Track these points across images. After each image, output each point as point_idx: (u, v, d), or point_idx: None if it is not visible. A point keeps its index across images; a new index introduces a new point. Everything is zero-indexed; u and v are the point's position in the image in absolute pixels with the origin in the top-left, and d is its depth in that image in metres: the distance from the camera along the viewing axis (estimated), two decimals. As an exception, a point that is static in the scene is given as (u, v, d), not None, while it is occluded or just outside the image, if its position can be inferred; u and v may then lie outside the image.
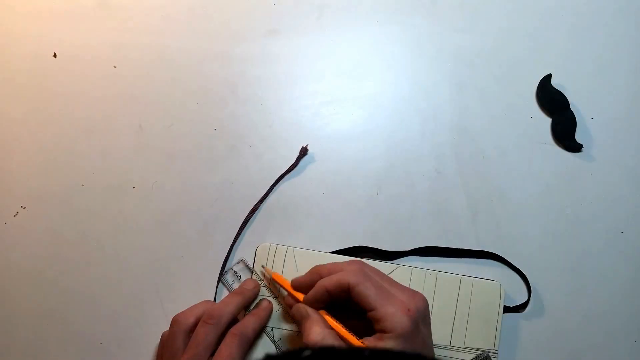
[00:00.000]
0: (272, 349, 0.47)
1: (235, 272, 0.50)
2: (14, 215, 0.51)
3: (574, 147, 0.52)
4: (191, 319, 0.44)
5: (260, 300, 0.48)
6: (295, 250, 0.49)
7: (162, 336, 0.46)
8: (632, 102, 0.53)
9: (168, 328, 0.45)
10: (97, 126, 0.52)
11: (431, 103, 0.53)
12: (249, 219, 0.50)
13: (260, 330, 0.46)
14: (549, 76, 0.52)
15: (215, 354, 0.41)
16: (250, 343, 0.44)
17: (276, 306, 0.48)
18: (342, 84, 0.53)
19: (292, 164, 0.51)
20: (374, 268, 0.44)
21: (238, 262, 0.50)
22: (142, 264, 0.50)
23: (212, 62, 0.53)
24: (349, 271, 0.41)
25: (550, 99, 0.52)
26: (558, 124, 0.52)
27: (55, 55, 0.53)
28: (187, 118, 0.52)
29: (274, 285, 0.48)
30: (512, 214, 0.51)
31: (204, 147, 0.52)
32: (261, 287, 0.48)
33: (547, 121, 0.53)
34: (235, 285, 0.49)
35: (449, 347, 0.47)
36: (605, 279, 0.51)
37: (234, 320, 0.45)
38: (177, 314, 0.44)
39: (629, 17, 0.54)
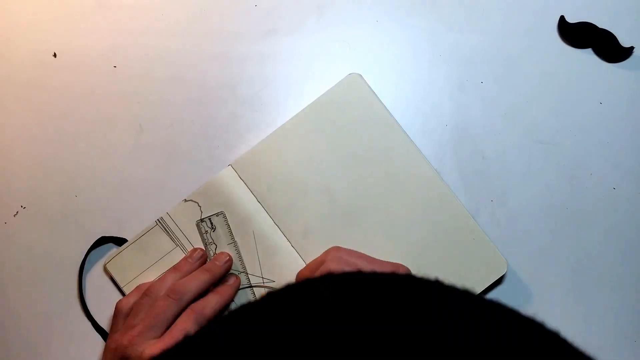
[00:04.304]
0: None
1: (212, 223, 0.49)
2: (14, 215, 0.51)
3: (625, 53, 0.52)
4: (162, 292, 0.44)
5: (228, 275, 0.47)
6: (375, 101, 0.50)
7: (119, 304, 0.45)
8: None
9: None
10: (97, 126, 0.52)
11: (431, 103, 0.53)
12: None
13: (223, 309, 0.46)
14: (562, 18, 0.53)
15: (171, 327, 0.42)
16: (207, 322, 0.43)
17: (244, 281, 0.48)
18: (342, 84, 0.53)
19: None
20: (350, 250, 0.45)
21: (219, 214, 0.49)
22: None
23: (212, 62, 0.53)
24: (329, 260, 0.43)
25: (576, 33, 0.53)
26: (599, 46, 0.53)
27: (55, 55, 0.53)
28: (187, 118, 0.52)
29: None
30: (512, 214, 0.51)
31: (204, 147, 0.52)
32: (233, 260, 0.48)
33: (546, 120, 0.53)
34: (207, 237, 0.48)
35: None
36: (605, 279, 0.51)
37: (198, 296, 0.45)
38: (148, 286, 0.45)
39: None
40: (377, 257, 0.47)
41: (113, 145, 0.52)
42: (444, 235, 0.48)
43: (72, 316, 0.50)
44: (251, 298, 0.48)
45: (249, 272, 0.48)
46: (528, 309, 0.50)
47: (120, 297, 0.49)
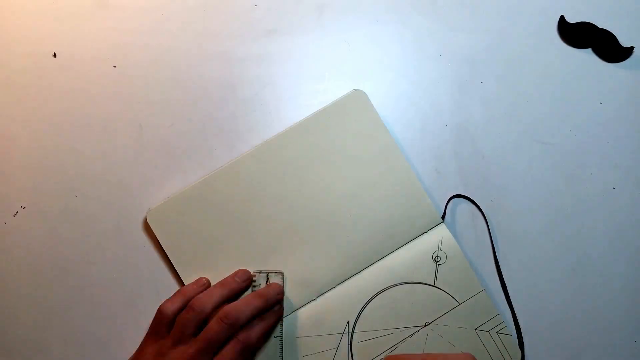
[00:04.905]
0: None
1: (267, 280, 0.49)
2: (14, 215, 0.51)
3: (625, 53, 0.52)
4: (209, 307, 0.45)
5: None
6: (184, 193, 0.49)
7: (163, 307, 0.46)
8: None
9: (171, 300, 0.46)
10: (97, 126, 0.52)
11: (431, 103, 0.53)
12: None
13: (267, 336, 0.47)
14: (562, 18, 0.53)
15: (218, 354, 0.43)
16: (252, 350, 0.45)
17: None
18: (342, 84, 0.53)
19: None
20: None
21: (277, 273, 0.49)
22: (142, 264, 0.50)
23: (212, 62, 0.53)
24: None
25: (576, 33, 0.53)
26: (599, 46, 0.53)
27: (55, 55, 0.53)
28: (187, 118, 0.52)
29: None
30: (512, 213, 0.51)
31: (204, 147, 0.52)
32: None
33: (546, 120, 0.53)
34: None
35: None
36: (605, 279, 0.51)
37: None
38: (197, 299, 0.45)
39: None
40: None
41: (113, 145, 0.52)
42: (326, 143, 0.50)
43: (72, 316, 0.50)
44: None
45: (335, 347, 0.48)
46: (528, 309, 0.50)
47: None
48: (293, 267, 0.49)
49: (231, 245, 0.49)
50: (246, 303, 0.45)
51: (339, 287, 0.49)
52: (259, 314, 0.45)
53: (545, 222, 0.51)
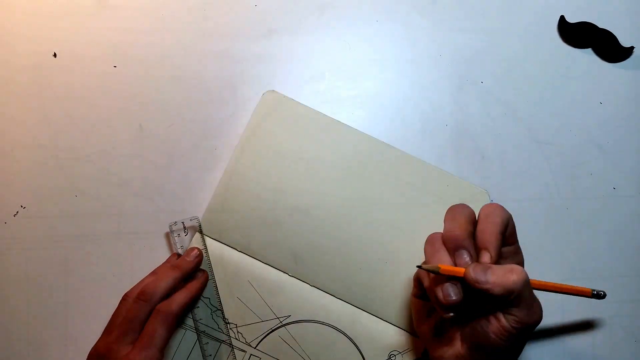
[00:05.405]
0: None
1: (185, 228, 0.49)
2: (14, 215, 0.51)
3: (625, 53, 0.53)
4: (158, 296, 0.45)
5: (197, 271, 0.48)
6: (304, 108, 0.51)
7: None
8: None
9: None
10: (97, 126, 0.52)
11: (431, 103, 0.53)
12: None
13: (192, 304, 0.47)
14: (562, 18, 0.53)
15: (142, 331, 0.44)
16: (176, 319, 0.44)
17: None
18: (342, 84, 0.53)
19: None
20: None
21: (192, 219, 0.49)
22: (142, 264, 0.50)
23: (212, 62, 0.53)
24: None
25: (576, 33, 0.53)
26: (599, 46, 0.53)
27: (55, 55, 0.53)
28: (187, 118, 0.52)
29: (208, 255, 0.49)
30: (512, 214, 0.51)
31: (204, 147, 0.52)
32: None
33: (546, 120, 0.53)
34: (178, 242, 0.49)
35: None
36: (605, 279, 0.51)
37: (170, 294, 0.46)
38: (126, 292, 0.46)
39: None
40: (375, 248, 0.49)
41: (113, 145, 0.52)
42: (424, 196, 0.50)
43: (72, 316, 0.50)
44: (277, 341, 0.48)
45: (262, 319, 0.49)
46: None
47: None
48: (301, 240, 0.49)
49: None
50: (161, 277, 0.46)
51: (310, 287, 0.49)
52: (177, 284, 0.46)
53: (545, 222, 0.51)
